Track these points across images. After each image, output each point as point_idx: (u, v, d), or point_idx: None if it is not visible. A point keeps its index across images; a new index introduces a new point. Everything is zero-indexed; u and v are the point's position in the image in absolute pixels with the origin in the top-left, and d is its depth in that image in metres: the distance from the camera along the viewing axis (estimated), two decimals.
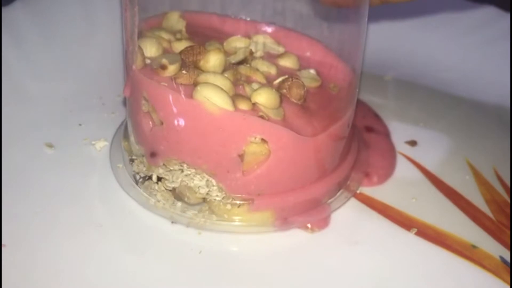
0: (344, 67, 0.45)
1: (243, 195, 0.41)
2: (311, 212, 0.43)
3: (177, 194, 0.42)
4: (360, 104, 0.47)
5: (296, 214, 0.42)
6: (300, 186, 0.42)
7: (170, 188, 0.41)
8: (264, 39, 0.46)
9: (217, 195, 0.41)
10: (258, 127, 0.39)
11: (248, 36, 0.46)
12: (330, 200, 0.44)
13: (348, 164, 0.45)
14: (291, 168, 0.40)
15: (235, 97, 0.39)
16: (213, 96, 0.38)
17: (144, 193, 0.43)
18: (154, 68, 0.40)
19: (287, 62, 0.45)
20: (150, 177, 0.42)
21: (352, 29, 0.44)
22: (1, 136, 0.46)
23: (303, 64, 0.45)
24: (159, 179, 0.42)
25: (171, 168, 0.40)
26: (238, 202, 0.41)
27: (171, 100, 0.38)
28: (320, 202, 0.43)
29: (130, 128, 0.44)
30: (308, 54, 0.46)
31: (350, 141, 0.46)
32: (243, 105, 0.39)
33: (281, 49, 0.46)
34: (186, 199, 0.41)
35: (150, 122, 0.41)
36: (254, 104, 0.39)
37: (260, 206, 0.41)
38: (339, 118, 0.42)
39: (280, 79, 0.41)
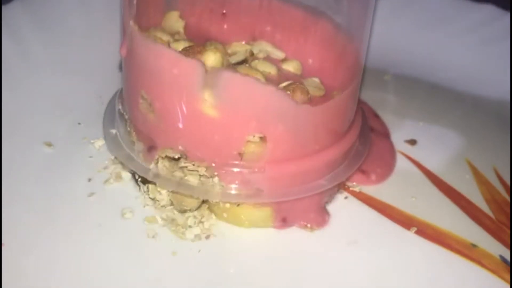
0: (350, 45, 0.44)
1: (242, 193, 0.41)
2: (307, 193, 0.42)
3: (174, 199, 0.42)
4: (359, 103, 0.47)
5: (294, 212, 0.42)
6: (298, 157, 0.41)
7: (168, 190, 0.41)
8: (266, 46, 0.46)
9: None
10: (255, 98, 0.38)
11: (248, 43, 0.46)
12: (326, 177, 0.43)
13: (351, 137, 0.44)
14: (292, 142, 0.40)
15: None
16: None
17: (143, 193, 0.43)
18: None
19: (290, 67, 0.44)
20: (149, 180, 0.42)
21: (361, 2, 0.43)
22: (1, 135, 0.46)
23: (306, 69, 0.45)
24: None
25: (167, 161, 0.40)
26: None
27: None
28: (318, 176, 0.42)
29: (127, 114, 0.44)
30: (310, 61, 0.46)
31: (354, 117, 0.45)
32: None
33: (282, 55, 0.45)
34: (184, 206, 0.41)
35: (148, 121, 0.41)
36: None
37: (259, 204, 0.41)
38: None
39: (286, 83, 0.41)
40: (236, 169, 0.40)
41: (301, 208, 0.42)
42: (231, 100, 0.38)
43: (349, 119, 0.44)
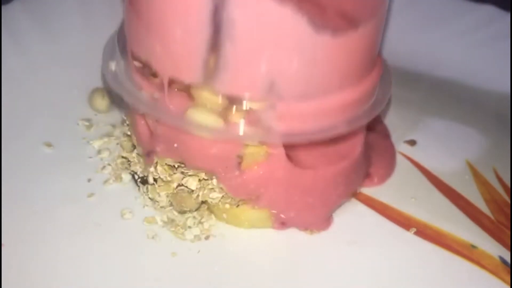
0: None
1: (242, 195, 0.40)
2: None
3: (174, 200, 0.41)
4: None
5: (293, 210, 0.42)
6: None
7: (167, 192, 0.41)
8: None
9: (216, 196, 0.40)
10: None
11: None
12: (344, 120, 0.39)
13: (373, 78, 0.40)
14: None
15: (227, 110, 0.37)
16: (201, 121, 0.37)
17: (143, 193, 0.43)
18: (145, 75, 0.39)
19: None
20: (147, 180, 0.42)
21: None
22: (1, 135, 0.46)
23: None
24: (155, 180, 0.41)
25: (167, 167, 0.40)
26: (237, 201, 0.41)
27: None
28: (335, 118, 0.39)
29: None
30: None
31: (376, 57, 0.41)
32: (236, 116, 0.37)
33: None
34: (184, 207, 0.41)
35: (146, 125, 0.40)
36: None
37: (259, 205, 0.41)
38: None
39: None
40: (243, 107, 0.36)
41: (306, 220, 0.42)
42: (242, 22, 0.34)
43: (372, 56, 0.40)
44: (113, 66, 0.41)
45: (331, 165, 0.41)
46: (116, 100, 0.50)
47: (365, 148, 0.44)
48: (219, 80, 0.36)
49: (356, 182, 0.45)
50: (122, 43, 0.41)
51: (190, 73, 0.36)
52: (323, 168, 0.41)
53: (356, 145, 0.43)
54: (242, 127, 0.37)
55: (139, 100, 0.39)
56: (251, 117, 0.37)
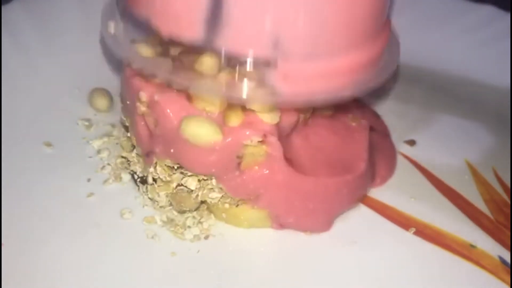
0: None
1: (242, 195, 0.41)
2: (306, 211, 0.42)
3: (173, 200, 0.42)
4: (359, 103, 0.47)
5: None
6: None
7: (166, 192, 0.41)
8: None
9: (215, 196, 0.41)
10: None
11: None
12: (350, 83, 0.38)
13: (382, 40, 0.39)
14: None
15: (226, 111, 0.37)
16: (199, 133, 0.37)
17: (142, 193, 0.43)
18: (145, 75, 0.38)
19: None
20: (146, 180, 0.42)
21: None
22: (1, 135, 0.46)
23: None
24: (154, 180, 0.41)
25: (166, 168, 0.40)
26: (236, 200, 0.41)
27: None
28: (341, 80, 0.37)
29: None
30: None
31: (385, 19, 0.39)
32: (233, 120, 0.37)
33: None
34: (183, 207, 0.41)
35: (146, 126, 0.40)
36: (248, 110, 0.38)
37: (258, 205, 0.41)
38: None
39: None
40: (246, 67, 0.35)
41: (306, 224, 0.42)
42: None
43: (380, 18, 0.39)
44: (112, 28, 0.39)
45: (333, 175, 0.41)
46: (116, 100, 0.50)
47: (370, 153, 0.44)
48: (222, 37, 0.34)
49: (361, 193, 0.45)
50: (122, 4, 0.39)
51: (191, 30, 0.35)
52: (325, 177, 0.41)
53: (360, 158, 0.43)
54: (245, 89, 0.35)
55: (141, 59, 0.37)
56: (255, 77, 0.35)
